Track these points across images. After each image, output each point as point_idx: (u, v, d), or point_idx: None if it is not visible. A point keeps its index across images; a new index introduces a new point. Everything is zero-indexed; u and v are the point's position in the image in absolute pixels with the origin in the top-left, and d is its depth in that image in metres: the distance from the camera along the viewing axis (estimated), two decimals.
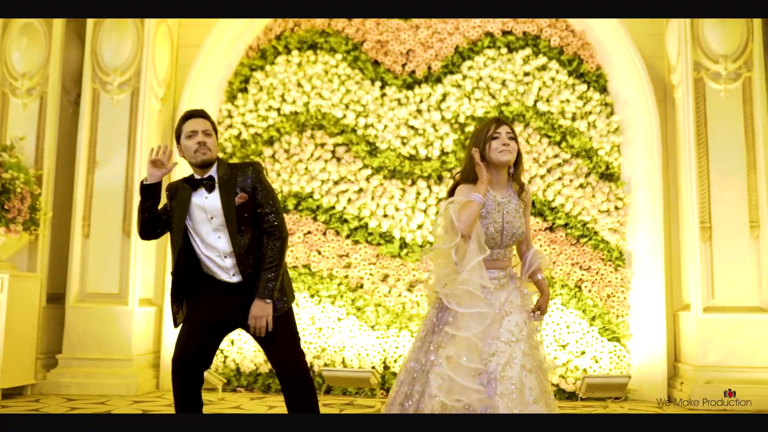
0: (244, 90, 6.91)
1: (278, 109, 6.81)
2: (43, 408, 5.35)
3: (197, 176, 3.37)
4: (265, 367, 6.43)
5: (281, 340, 3.35)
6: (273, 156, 6.74)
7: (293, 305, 3.51)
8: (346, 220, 6.58)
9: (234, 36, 6.89)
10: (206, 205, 3.30)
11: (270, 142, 6.79)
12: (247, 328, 3.34)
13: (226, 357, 6.54)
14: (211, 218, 3.31)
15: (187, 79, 6.81)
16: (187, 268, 3.40)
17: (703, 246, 5.84)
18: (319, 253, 6.54)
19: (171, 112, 6.93)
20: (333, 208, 6.61)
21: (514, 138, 3.27)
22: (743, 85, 5.96)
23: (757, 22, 5.97)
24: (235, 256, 3.30)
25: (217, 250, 3.32)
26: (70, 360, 6.24)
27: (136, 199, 6.31)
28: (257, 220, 3.36)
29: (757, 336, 5.70)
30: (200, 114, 3.45)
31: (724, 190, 5.85)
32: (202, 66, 6.82)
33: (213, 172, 3.37)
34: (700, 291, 5.77)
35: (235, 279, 3.33)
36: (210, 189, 3.33)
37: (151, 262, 6.58)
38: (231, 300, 3.35)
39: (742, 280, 5.77)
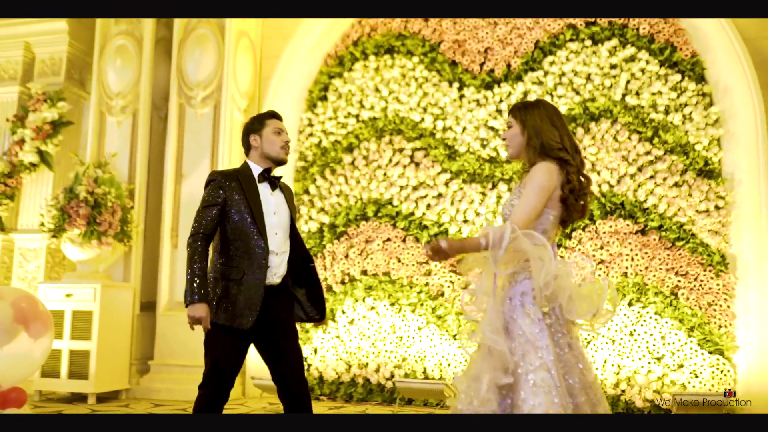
0: (324, 98, 6.92)
1: (357, 116, 6.77)
2: (130, 412, 5.57)
3: (263, 171, 3.45)
4: (347, 376, 6.39)
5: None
6: (352, 163, 6.70)
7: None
8: (425, 227, 6.42)
9: (312, 44, 6.92)
10: (271, 200, 3.40)
11: (349, 148, 6.75)
12: (277, 334, 3.35)
13: (309, 365, 6.55)
14: (274, 213, 3.39)
15: (268, 90, 6.91)
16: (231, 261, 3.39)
17: None
18: (399, 260, 6.42)
19: None
20: (412, 214, 6.47)
21: (511, 125, 3.05)
22: None
23: None
24: (284, 255, 3.39)
25: (269, 246, 3.34)
26: (160, 366, 6.48)
27: None
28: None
29: None
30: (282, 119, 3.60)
31: None
32: (282, 76, 6.91)
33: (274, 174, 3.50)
34: None
35: (277, 280, 3.36)
36: (274, 187, 3.44)
37: None
38: (274, 304, 3.35)
39: None
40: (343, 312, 6.52)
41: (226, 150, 6.58)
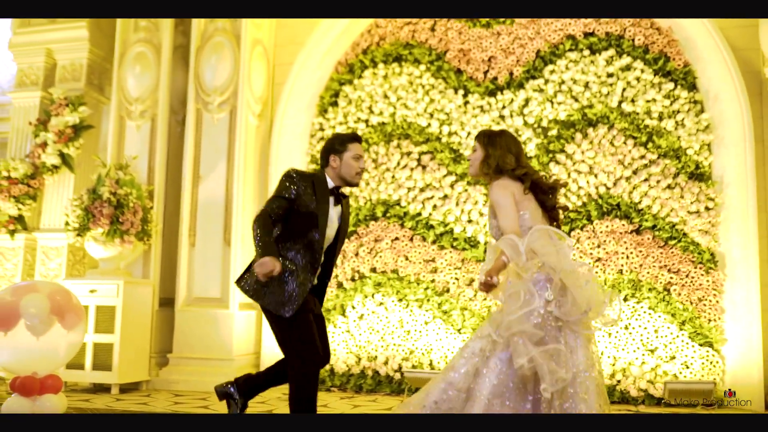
0: (334, 104, 7.26)
1: (366, 121, 7.11)
2: (152, 402, 5.89)
3: (334, 188, 3.80)
4: (357, 368, 6.72)
5: None
6: None
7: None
8: (432, 226, 6.76)
9: (324, 53, 7.25)
10: (333, 213, 3.74)
11: None
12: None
13: None
14: (329, 227, 3.74)
15: (281, 96, 7.25)
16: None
17: None
18: (407, 258, 6.76)
19: (268, 128, 7.39)
20: (419, 214, 6.81)
21: (476, 149, 3.64)
22: None
23: None
24: (328, 261, 3.83)
25: (321, 252, 3.74)
26: (179, 359, 6.80)
27: (236, 210, 6.83)
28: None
29: None
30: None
31: None
32: (294, 82, 7.24)
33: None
34: None
35: (316, 282, 3.80)
36: (337, 202, 3.79)
37: None
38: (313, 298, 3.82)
39: None
40: (353, 307, 6.85)
41: (242, 153, 6.91)
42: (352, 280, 6.90)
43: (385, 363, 6.65)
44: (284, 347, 3.63)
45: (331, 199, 3.76)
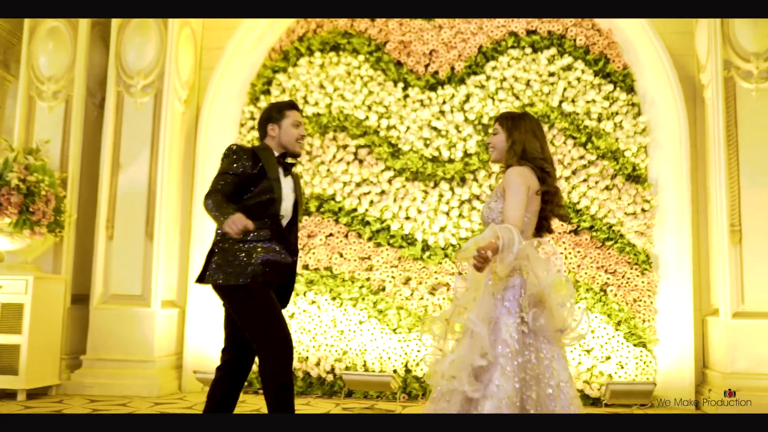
0: (267, 92, 6.91)
1: (300, 111, 6.79)
2: (66, 409, 5.39)
3: (280, 156, 3.57)
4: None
5: None
6: None
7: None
8: (368, 223, 6.54)
9: (256, 38, 6.89)
10: (285, 185, 3.51)
11: None
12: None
13: None
14: (284, 198, 3.49)
15: (210, 82, 6.84)
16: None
17: (733, 250, 5.69)
18: (341, 255, 6.51)
19: (194, 115, 6.96)
20: (355, 210, 6.57)
21: (497, 131, 3.37)
22: None
23: None
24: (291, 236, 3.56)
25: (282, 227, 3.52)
26: (93, 361, 6.29)
27: (159, 201, 6.38)
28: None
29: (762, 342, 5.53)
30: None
31: (755, 193, 5.68)
32: (225, 68, 6.84)
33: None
34: (729, 296, 5.62)
35: (290, 259, 3.51)
36: (287, 172, 3.57)
37: (174, 265, 6.61)
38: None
39: None
40: None
41: (167, 141, 6.46)
42: None
43: (317, 364, 6.38)
44: (251, 329, 3.32)
45: (280, 170, 3.54)
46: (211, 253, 3.46)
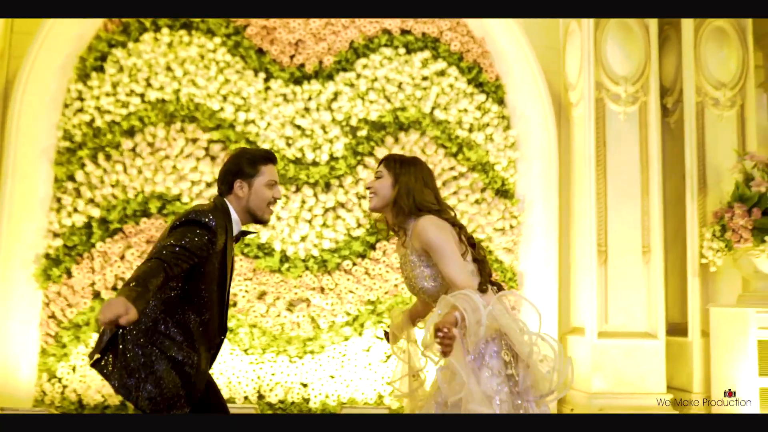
0: (100, 68, 5.84)
1: (142, 95, 5.82)
2: None
3: (241, 228, 2.86)
4: (115, 399, 5.44)
5: None
6: (134, 150, 5.75)
7: None
8: None
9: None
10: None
11: (130, 132, 5.78)
12: None
13: (65, 387, 5.47)
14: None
15: (28, 50, 5.62)
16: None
17: (599, 269, 5.72)
18: None
19: (1, 86, 5.70)
20: None
21: (381, 175, 2.94)
22: (640, 109, 5.91)
23: (654, 48, 5.93)
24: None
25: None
26: None
27: None
28: None
29: (645, 362, 5.66)
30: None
31: (621, 214, 5.76)
32: (47, 36, 5.67)
33: None
34: (596, 316, 5.64)
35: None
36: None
37: None
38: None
39: (634, 306, 5.71)
40: None
41: None
42: (114, 289, 5.59)
43: None
44: None
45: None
46: (115, 338, 2.67)
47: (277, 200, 2.93)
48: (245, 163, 2.85)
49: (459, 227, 2.87)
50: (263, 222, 2.94)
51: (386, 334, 3.23)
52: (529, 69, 6.15)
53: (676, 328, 5.87)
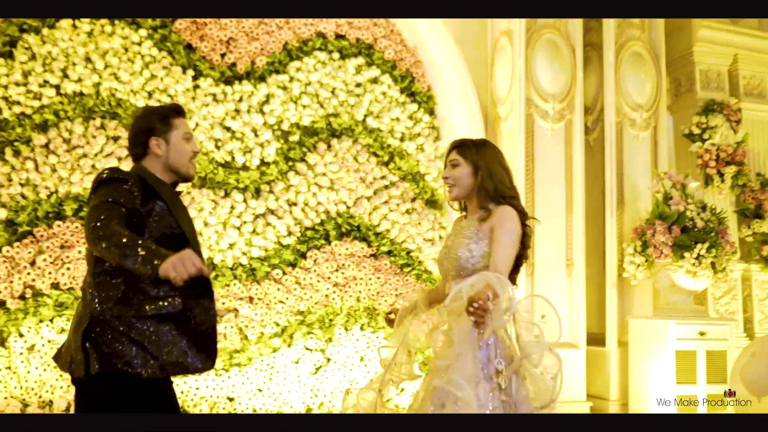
0: (9, 55, 5.30)
1: (57, 87, 5.34)
2: None
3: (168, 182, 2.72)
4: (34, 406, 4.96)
5: None
6: (47, 146, 5.25)
7: None
8: None
9: None
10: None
11: (43, 127, 5.29)
12: None
13: None
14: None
15: None
16: None
17: (527, 281, 5.86)
18: None
19: None
20: None
21: (458, 163, 2.95)
22: (566, 126, 6.12)
23: (580, 68, 6.17)
24: None
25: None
26: None
27: None
28: None
29: (567, 371, 5.84)
30: None
31: (546, 228, 5.91)
32: None
33: None
34: None
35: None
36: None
37: None
38: None
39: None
40: (21, 335, 5.05)
41: None
42: (22, 298, 5.09)
43: (68, 408, 5.05)
44: None
45: (179, 203, 2.74)
46: (85, 340, 2.51)
47: (197, 154, 2.81)
48: (156, 120, 2.71)
49: (524, 225, 2.87)
50: (189, 178, 2.81)
51: (389, 320, 3.23)
52: (460, 81, 6.21)
53: (593, 338, 6.12)
